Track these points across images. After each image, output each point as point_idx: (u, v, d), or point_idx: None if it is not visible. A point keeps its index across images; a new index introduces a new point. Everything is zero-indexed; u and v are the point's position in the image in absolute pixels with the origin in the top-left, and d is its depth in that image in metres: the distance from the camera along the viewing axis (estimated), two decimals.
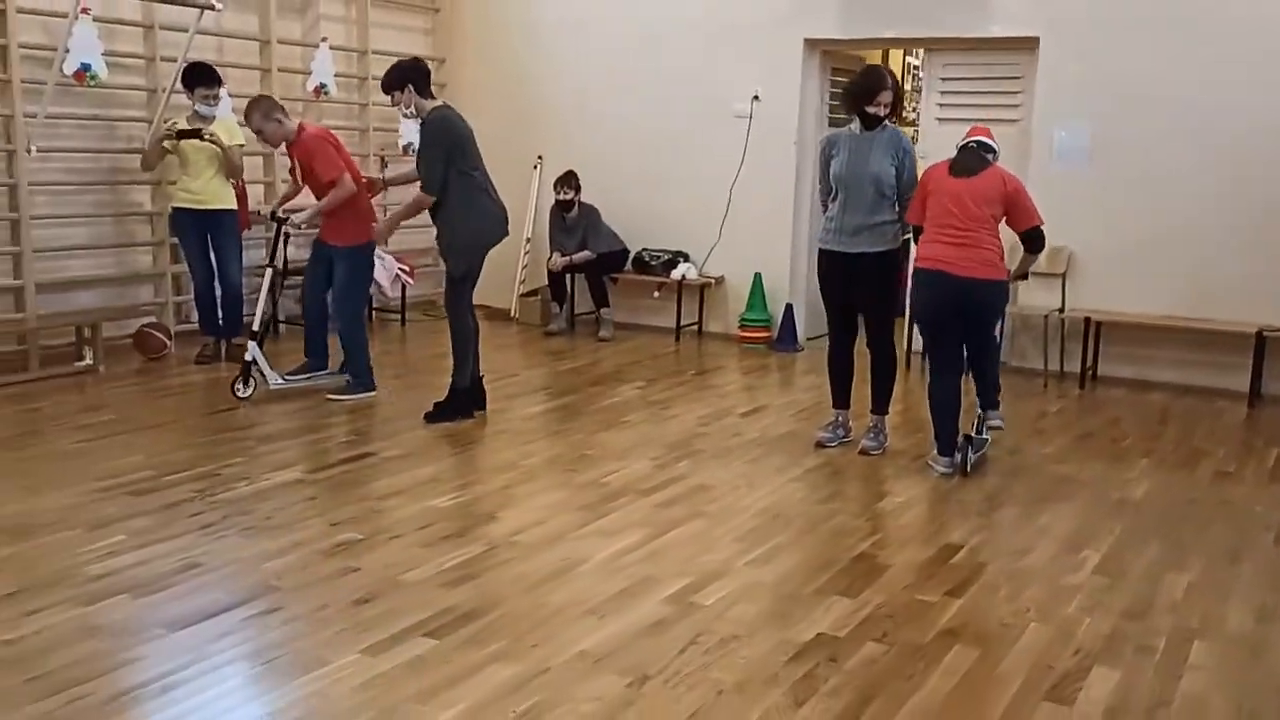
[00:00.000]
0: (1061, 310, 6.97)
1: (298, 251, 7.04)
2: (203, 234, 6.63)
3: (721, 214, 8.08)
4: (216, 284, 6.80)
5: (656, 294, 8.30)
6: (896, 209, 5.01)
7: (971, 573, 3.81)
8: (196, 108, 6.48)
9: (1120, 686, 3.02)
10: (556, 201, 8.15)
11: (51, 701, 2.79)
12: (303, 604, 3.42)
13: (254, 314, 5.94)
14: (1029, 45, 7.03)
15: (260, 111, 5.84)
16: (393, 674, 2.99)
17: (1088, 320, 6.84)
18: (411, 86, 5.37)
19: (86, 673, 2.94)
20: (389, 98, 5.50)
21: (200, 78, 6.43)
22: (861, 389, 5.40)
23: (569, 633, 3.27)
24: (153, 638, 3.16)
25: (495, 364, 6.57)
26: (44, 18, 6.35)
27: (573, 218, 8.15)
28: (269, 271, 6.01)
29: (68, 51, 6.16)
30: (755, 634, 3.30)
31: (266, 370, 5.84)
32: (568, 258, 8.14)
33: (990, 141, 4.94)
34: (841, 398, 5.37)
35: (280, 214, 6.01)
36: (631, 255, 8.32)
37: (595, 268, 8.17)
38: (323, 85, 7.84)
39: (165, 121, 6.57)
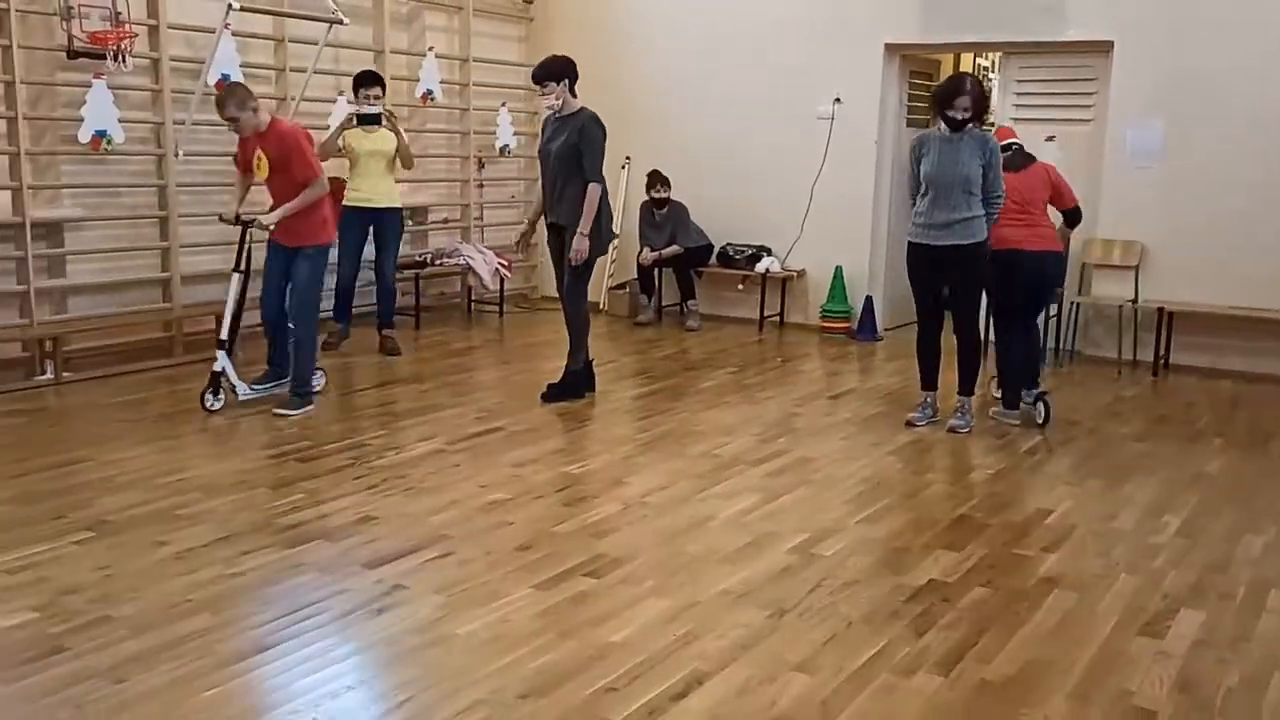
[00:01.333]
0: (1135, 301, 7.30)
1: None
2: (364, 230, 7.13)
3: (803, 211, 8.50)
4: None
5: (740, 287, 8.73)
6: (982, 205, 5.40)
7: (1064, 533, 4.21)
8: (360, 108, 6.98)
9: (1205, 625, 3.42)
10: (649, 199, 8.62)
11: (284, 620, 3.31)
12: (471, 550, 3.91)
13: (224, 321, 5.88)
14: (1103, 48, 7.37)
15: (236, 100, 5.56)
16: (563, 605, 3.47)
17: (1160, 310, 7.17)
18: (568, 81, 5.84)
19: (307, 599, 3.46)
20: (539, 86, 5.86)
21: (365, 81, 6.95)
22: (947, 373, 5.80)
23: (709, 575, 3.72)
24: (353, 574, 3.67)
25: (593, 351, 7.03)
26: (189, 33, 6.92)
27: (663, 215, 8.61)
28: (236, 277, 5.81)
29: (210, 64, 6.74)
30: (873, 579, 3.73)
31: (235, 380, 5.72)
32: (657, 252, 8.60)
33: (1019, 141, 5.93)
34: (930, 380, 5.77)
35: (244, 216, 5.77)
36: (717, 250, 8.76)
37: (683, 262, 8.63)
38: (430, 91, 8.37)
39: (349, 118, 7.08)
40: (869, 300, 8.28)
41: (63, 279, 6.62)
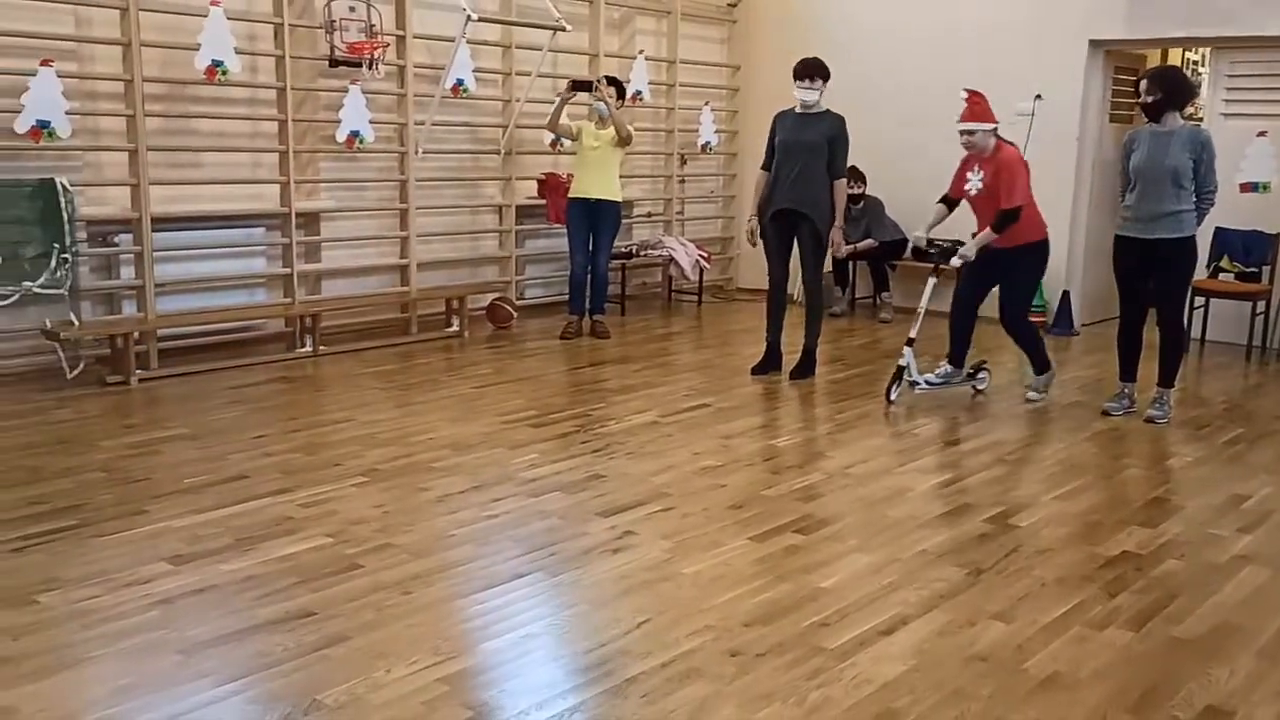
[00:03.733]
0: None
1: None
2: (588, 222, 7.70)
3: None
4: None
5: (935, 279, 8.88)
6: (1194, 199, 5.48)
7: (1260, 517, 4.33)
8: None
9: None
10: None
11: (535, 554, 3.83)
12: (690, 506, 4.35)
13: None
14: None
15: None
16: (776, 555, 3.87)
17: None
18: (825, 83, 6.36)
19: (554, 538, 3.98)
20: (808, 79, 6.35)
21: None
22: (1146, 365, 5.88)
23: (909, 537, 4.05)
24: (589, 520, 4.17)
25: (790, 339, 7.37)
26: (430, 42, 7.65)
27: (858, 209, 8.88)
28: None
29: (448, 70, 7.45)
30: (1067, 548, 3.98)
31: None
32: (852, 245, 8.87)
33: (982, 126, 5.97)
34: (1129, 371, 5.88)
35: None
36: (911, 243, 8.95)
37: (877, 255, 8.87)
38: (639, 92, 8.89)
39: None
40: (1066, 294, 8.33)
41: (318, 263, 7.45)
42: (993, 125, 5.93)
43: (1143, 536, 4.08)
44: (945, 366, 6.25)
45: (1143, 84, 5.52)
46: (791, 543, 3.98)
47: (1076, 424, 5.69)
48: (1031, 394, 6.15)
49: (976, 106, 5.94)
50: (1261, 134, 7.42)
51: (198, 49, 6.39)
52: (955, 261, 6.00)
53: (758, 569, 3.73)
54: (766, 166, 6.56)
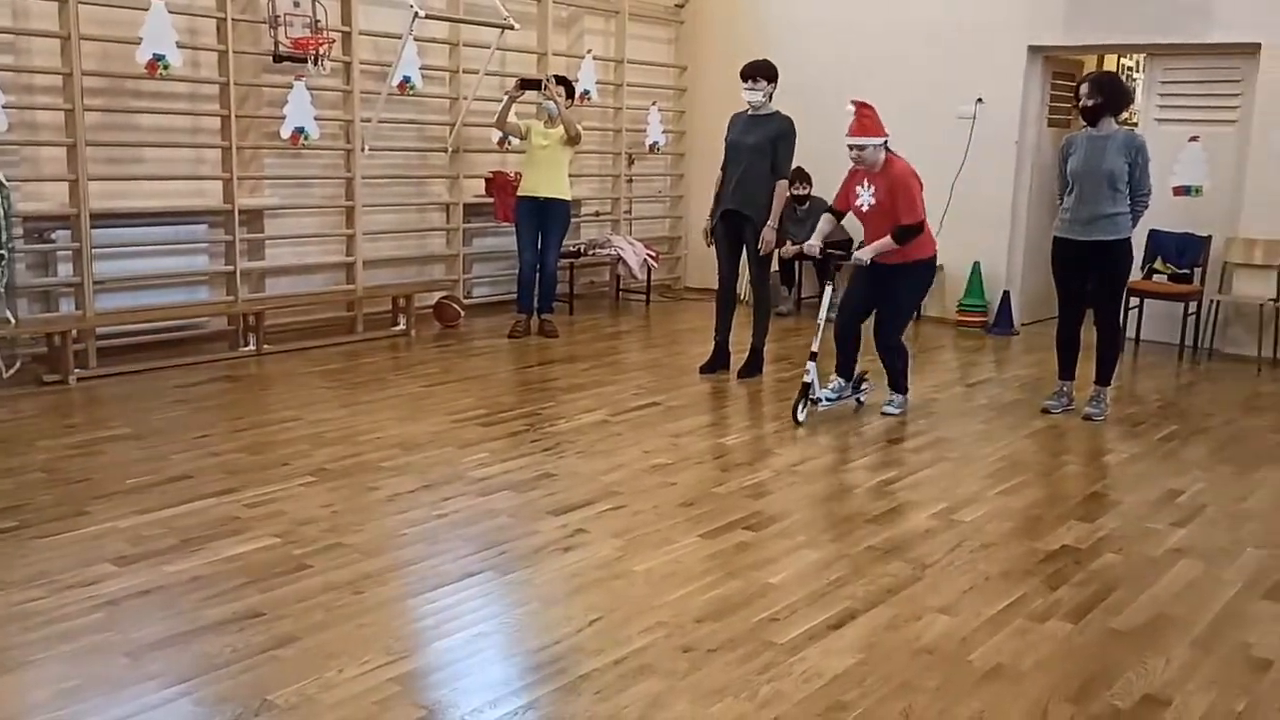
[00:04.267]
0: (1276, 300, 7.35)
1: None
2: (536, 221, 7.66)
3: (942, 207, 8.73)
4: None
5: (831, 287, 8.98)
6: (1129, 202, 5.62)
7: (1194, 511, 4.46)
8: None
9: None
10: (791, 195, 8.96)
11: (486, 553, 3.83)
12: (641, 504, 4.38)
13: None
14: (1250, 50, 7.43)
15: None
16: (727, 552, 3.91)
17: None
18: (774, 85, 6.39)
19: (503, 537, 3.98)
20: (751, 80, 6.37)
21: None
22: (1084, 365, 6.02)
23: (856, 534, 4.11)
24: (540, 518, 4.18)
25: (738, 338, 7.43)
26: (377, 39, 7.60)
27: (804, 210, 8.97)
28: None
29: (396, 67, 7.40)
30: (1009, 542, 4.06)
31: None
32: (798, 246, 8.94)
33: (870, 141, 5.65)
34: (1067, 370, 6.01)
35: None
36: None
37: (824, 256, 8.95)
38: (587, 92, 8.89)
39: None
40: (1006, 295, 8.50)
41: (262, 261, 7.37)
42: (883, 139, 5.62)
43: (1081, 531, 4.19)
44: (836, 381, 5.93)
45: (1083, 88, 5.66)
46: (741, 539, 4.03)
47: (1017, 421, 5.82)
48: (888, 408, 5.88)
49: (866, 120, 5.64)
50: (1193, 139, 7.62)
51: (139, 43, 6.29)
52: (855, 261, 5.78)
53: (708, 565, 3.77)
54: (723, 167, 6.63)
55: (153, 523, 4.04)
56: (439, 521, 4.13)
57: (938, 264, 6.09)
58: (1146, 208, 5.72)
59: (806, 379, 5.66)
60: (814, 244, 5.94)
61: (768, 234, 6.43)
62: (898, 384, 5.96)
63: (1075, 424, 5.80)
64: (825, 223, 6.04)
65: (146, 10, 6.28)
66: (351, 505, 4.28)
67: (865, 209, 5.76)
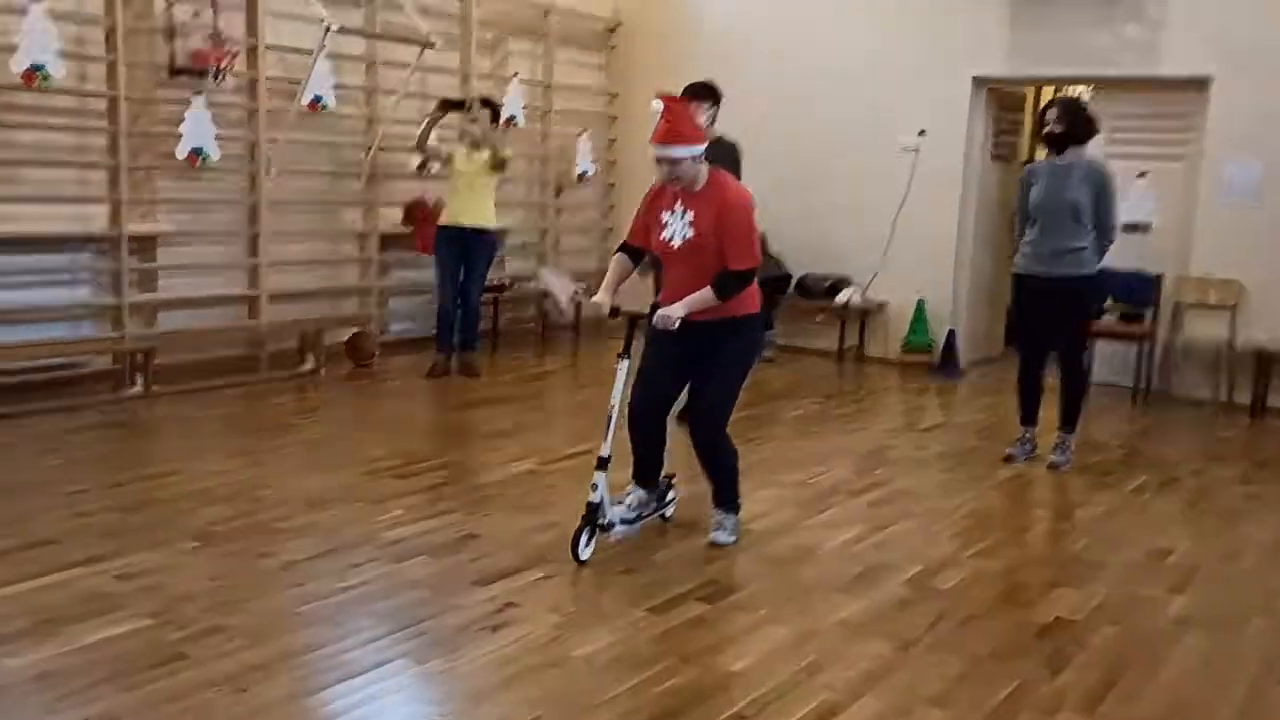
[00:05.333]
0: (1231, 343, 7.11)
1: None
2: (458, 251, 7.06)
3: (884, 242, 8.40)
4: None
5: (819, 318, 8.64)
6: (1093, 235, 5.28)
7: (1187, 573, 4.07)
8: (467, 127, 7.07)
9: None
10: None
11: (401, 634, 3.26)
12: (575, 572, 3.84)
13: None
14: (1199, 85, 7.23)
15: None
16: (680, 630, 3.39)
17: (1259, 353, 6.98)
18: (717, 108, 5.74)
19: (420, 614, 3.41)
20: (692, 103, 5.26)
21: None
22: (1046, 408, 5.65)
23: (825, 604, 3.63)
24: (463, 589, 3.62)
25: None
26: (286, 54, 7.01)
27: None
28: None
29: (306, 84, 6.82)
30: (996, 614, 3.62)
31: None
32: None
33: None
34: (1030, 415, 5.64)
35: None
36: (795, 280, 8.69)
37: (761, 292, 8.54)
38: (513, 117, 8.39)
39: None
40: (951, 334, 8.16)
41: (154, 293, 6.69)
42: (703, 145, 3.90)
43: (1073, 600, 3.75)
44: (634, 491, 4.27)
45: (1050, 113, 5.32)
46: (695, 613, 3.52)
47: (980, 471, 5.41)
48: (717, 535, 4.18)
49: (680, 121, 3.87)
50: (1142, 174, 7.40)
51: (13, 51, 5.63)
52: (661, 322, 3.90)
53: (659, 649, 3.25)
54: None
55: (3, 599, 3.39)
56: (343, 595, 3.54)
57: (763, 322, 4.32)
58: (1112, 242, 5.39)
59: (593, 498, 3.94)
60: (602, 298, 4.15)
61: None
62: (727, 497, 4.23)
63: (1040, 473, 5.42)
64: (616, 267, 4.20)
65: (24, 14, 5.63)
66: (240, 577, 3.67)
67: (676, 243, 3.97)
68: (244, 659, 3.06)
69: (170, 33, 6.30)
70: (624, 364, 4.09)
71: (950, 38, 8.03)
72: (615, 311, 4.15)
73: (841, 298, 8.43)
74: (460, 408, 6.43)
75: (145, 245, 6.61)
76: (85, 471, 4.82)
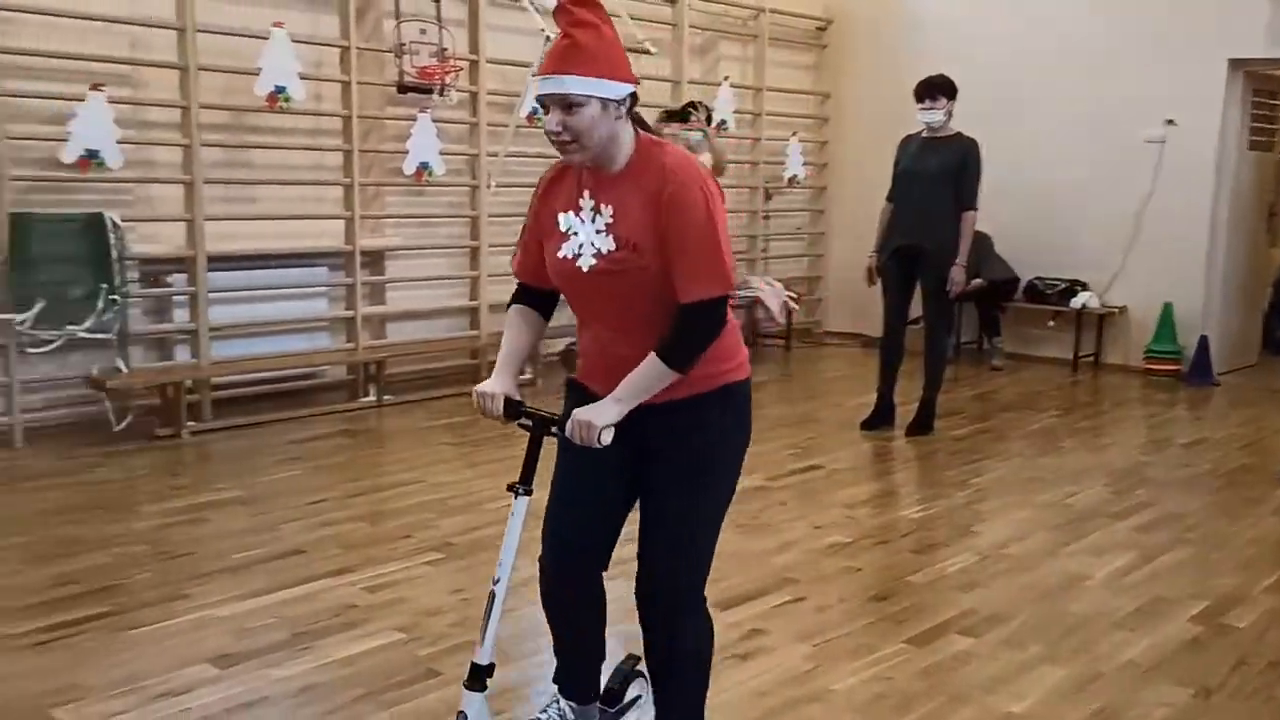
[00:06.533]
0: None
1: None
2: None
3: (1125, 242, 7.82)
4: None
5: (1051, 323, 8.13)
6: None
7: None
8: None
9: None
10: None
11: None
12: (822, 597, 3.64)
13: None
14: None
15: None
16: (944, 665, 3.14)
17: None
18: (953, 103, 5.65)
19: None
20: (929, 99, 5.66)
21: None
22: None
23: (1104, 642, 3.30)
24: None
25: (902, 388, 6.65)
26: (505, 67, 7.10)
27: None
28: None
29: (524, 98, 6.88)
30: None
31: None
32: (963, 285, 8.12)
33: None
34: None
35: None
36: (1024, 284, 8.21)
37: (987, 296, 8.12)
38: (724, 122, 8.26)
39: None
40: (1204, 340, 7.50)
41: (383, 305, 6.88)
42: (629, 89, 2.21)
43: None
44: (556, 707, 2.55)
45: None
46: (960, 647, 3.26)
47: (1255, 493, 4.90)
48: None
49: (585, 34, 2.17)
50: None
51: (258, 74, 5.89)
52: (579, 438, 2.25)
53: (925, 685, 3.01)
54: (891, 197, 5.90)
55: (259, 610, 3.47)
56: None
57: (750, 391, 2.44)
58: None
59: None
60: (489, 387, 2.51)
61: (957, 273, 5.67)
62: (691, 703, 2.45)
63: None
64: (511, 332, 2.64)
65: (266, 39, 5.88)
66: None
67: (585, 265, 2.29)
68: (497, 678, 3.00)
69: (399, 51, 6.46)
70: (521, 504, 2.40)
71: (1201, 17, 7.38)
72: (514, 410, 2.44)
73: (1077, 301, 7.90)
74: None
75: (375, 259, 6.82)
76: (325, 480, 4.96)
